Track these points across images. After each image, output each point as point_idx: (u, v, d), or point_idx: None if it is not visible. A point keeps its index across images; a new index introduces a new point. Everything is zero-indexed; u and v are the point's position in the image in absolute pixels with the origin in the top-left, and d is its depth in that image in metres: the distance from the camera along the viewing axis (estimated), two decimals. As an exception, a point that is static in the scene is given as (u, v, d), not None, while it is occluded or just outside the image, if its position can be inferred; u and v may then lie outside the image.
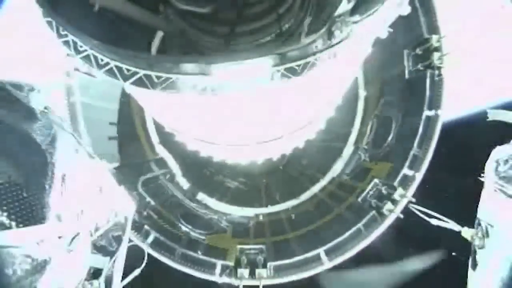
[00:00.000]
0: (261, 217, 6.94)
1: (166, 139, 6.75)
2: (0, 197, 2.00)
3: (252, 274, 4.60)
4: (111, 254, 2.96)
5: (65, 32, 2.32)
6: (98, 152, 5.12)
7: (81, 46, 2.30)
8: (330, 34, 2.15)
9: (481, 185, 2.97)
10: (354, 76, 6.45)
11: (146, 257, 3.27)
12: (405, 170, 4.93)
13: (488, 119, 3.47)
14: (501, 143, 2.97)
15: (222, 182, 8.54)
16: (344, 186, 6.34)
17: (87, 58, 2.27)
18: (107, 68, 2.24)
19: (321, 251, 4.66)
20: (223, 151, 4.52)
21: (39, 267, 2.07)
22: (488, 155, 2.93)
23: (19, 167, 2.17)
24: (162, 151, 7.28)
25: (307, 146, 4.89)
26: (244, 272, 4.56)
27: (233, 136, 3.93)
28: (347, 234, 4.75)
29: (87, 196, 2.80)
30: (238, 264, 4.68)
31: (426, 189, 5.54)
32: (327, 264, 4.56)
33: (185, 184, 7.36)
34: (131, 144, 6.53)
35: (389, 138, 5.93)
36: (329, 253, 4.65)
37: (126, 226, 3.30)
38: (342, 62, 2.80)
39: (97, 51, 2.23)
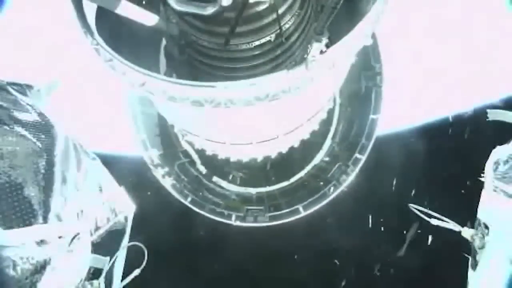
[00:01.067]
0: (261, 194, 9.40)
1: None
2: (0, 197, 2.00)
3: (255, 221, 7.16)
4: (111, 254, 2.98)
5: (110, 58, 2.56)
6: (152, 145, 7.55)
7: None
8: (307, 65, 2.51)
9: (481, 185, 2.97)
10: (337, 89, 8.75)
11: (146, 257, 3.25)
12: (356, 154, 7.42)
13: (488, 119, 3.51)
14: (501, 143, 2.99)
15: (229, 172, 10.92)
16: (321, 168, 8.79)
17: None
18: (144, 87, 2.64)
19: (299, 206, 7.21)
20: (227, 149, 5.53)
21: (39, 267, 2.05)
22: (488, 155, 2.95)
23: (19, 167, 2.16)
24: (185, 145, 9.70)
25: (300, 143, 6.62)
26: (251, 219, 7.12)
27: (235, 136, 4.48)
28: (317, 195, 7.27)
29: (87, 196, 2.80)
30: (246, 215, 7.21)
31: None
32: (303, 213, 7.09)
33: (203, 170, 9.80)
34: (166, 139, 8.96)
35: (352, 133, 8.40)
36: (305, 207, 7.19)
37: (126, 226, 3.35)
38: (326, 83, 3.56)
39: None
